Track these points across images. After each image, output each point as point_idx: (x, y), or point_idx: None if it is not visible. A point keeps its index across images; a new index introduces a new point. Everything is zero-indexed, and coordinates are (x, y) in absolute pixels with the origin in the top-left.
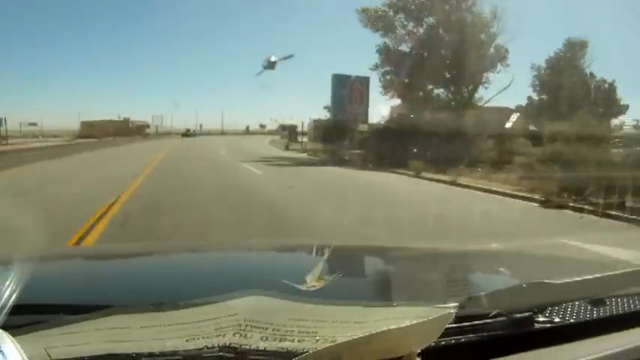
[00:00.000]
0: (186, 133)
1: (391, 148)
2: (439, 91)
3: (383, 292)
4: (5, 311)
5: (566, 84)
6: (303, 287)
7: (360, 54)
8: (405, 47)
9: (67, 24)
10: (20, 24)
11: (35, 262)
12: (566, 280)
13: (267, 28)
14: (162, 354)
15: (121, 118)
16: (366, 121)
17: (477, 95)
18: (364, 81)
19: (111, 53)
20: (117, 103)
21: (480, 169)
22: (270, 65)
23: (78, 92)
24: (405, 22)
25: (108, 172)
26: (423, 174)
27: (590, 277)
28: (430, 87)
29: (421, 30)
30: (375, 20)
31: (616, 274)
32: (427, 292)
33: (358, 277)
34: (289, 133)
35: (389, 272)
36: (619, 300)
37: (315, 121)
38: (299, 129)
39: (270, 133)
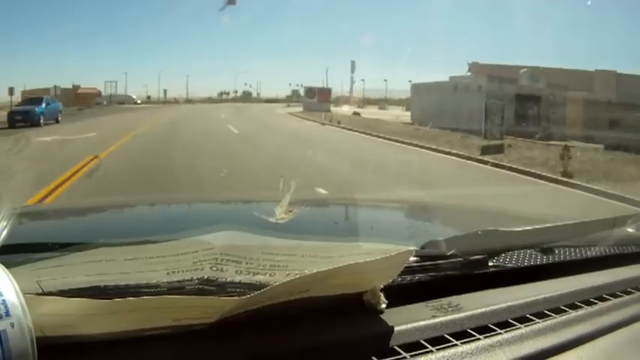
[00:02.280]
0: (15, 116)
1: None
2: None
3: (350, 233)
4: None
5: None
6: (272, 219)
7: None
8: None
9: None
10: None
11: (21, 210)
12: (518, 229)
13: None
14: (147, 285)
15: (71, 86)
16: None
17: None
18: None
19: (62, 14)
20: (71, 70)
21: None
22: (231, 1)
23: (22, 61)
24: None
25: None
26: None
27: (538, 227)
28: None
29: None
30: None
31: (562, 225)
32: (391, 234)
33: (327, 218)
34: (488, 111)
35: (356, 216)
36: (565, 249)
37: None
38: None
39: (236, 100)
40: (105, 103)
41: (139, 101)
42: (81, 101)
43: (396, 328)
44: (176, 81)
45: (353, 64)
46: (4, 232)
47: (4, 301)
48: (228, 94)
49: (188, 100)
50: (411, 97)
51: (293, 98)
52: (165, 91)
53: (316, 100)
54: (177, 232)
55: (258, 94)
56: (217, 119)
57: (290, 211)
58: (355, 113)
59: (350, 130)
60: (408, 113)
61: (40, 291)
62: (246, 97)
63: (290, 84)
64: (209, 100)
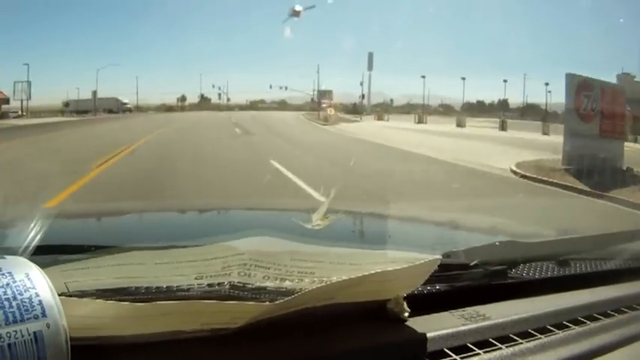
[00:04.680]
0: None
1: None
2: None
3: (375, 241)
4: (30, 249)
5: None
6: (308, 225)
7: None
8: None
9: None
10: None
11: (52, 212)
12: (536, 240)
13: None
14: (177, 289)
15: None
16: None
17: None
18: None
19: None
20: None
21: None
22: (295, 13)
23: None
24: None
25: None
26: None
27: (557, 239)
28: None
29: None
30: None
31: (580, 237)
32: (414, 243)
33: (353, 226)
34: None
35: (381, 225)
36: (582, 262)
37: None
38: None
39: (195, 108)
40: (20, 113)
41: (129, 105)
42: None
43: (421, 337)
44: (120, 82)
45: (370, 57)
46: (39, 235)
47: (40, 301)
48: (184, 100)
49: (139, 108)
50: None
51: (313, 106)
52: (94, 92)
53: (597, 122)
54: (208, 237)
55: (228, 99)
56: None
57: (327, 218)
58: None
59: None
60: None
61: (67, 292)
62: (205, 103)
63: (271, 86)
64: (164, 108)
